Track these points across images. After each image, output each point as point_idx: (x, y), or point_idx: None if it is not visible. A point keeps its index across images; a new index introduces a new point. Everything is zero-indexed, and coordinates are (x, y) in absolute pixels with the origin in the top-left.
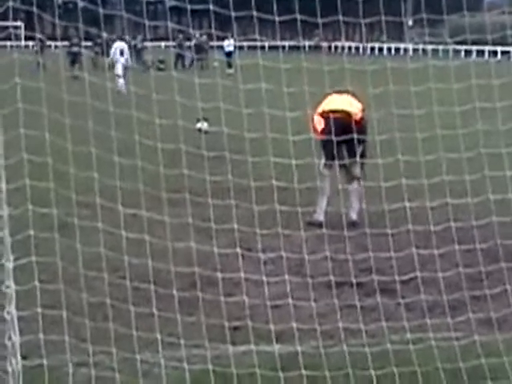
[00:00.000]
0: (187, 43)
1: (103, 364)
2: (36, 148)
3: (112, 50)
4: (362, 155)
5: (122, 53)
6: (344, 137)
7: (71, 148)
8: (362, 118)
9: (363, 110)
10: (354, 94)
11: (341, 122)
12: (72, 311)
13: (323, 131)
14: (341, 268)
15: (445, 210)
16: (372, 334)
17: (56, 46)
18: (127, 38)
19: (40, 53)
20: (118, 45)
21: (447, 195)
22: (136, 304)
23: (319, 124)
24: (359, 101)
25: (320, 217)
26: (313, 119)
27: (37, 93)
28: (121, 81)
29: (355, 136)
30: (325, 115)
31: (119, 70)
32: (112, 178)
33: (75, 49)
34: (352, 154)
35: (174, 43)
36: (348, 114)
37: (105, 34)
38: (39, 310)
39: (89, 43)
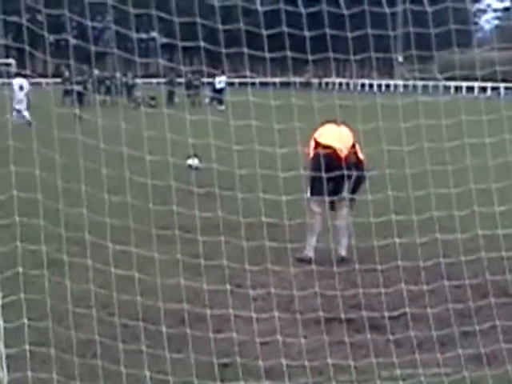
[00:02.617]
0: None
1: None
2: (26, 185)
3: (13, 87)
4: (353, 192)
5: (21, 88)
6: (330, 174)
7: (61, 185)
8: (348, 155)
9: (353, 146)
10: (350, 128)
11: (328, 158)
12: (60, 349)
13: (313, 162)
14: (330, 304)
15: (434, 246)
16: (362, 370)
17: (47, 83)
18: (118, 74)
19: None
20: (18, 81)
21: (437, 231)
22: (125, 341)
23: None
24: (353, 135)
25: (310, 253)
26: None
27: (27, 130)
28: (25, 113)
29: (335, 172)
30: (314, 151)
31: (19, 104)
32: (102, 214)
33: (70, 86)
34: (338, 191)
35: (165, 80)
36: (334, 151)
37: (96, 71)
38: (27, 347)
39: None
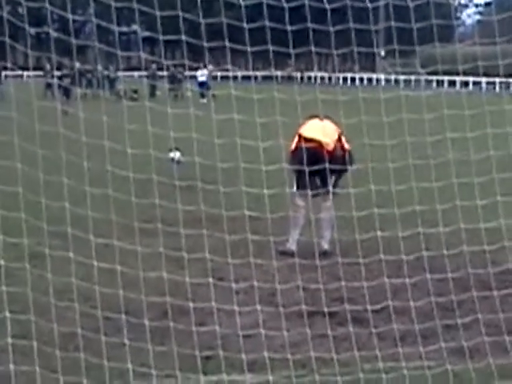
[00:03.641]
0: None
1: None
2: (7, 178)
3: None
4: (334, 185)
5: None
6: (315, 167)
7: (42, 178)
8: (334, 149)
9: (339, 140)
10: (334, 121)
11: (313, 152)
12: (43, 342)
13: (295, 155)
14: (313, 297)
15: (417, 240)
16: (344, 363)
17: (28, 76)
18: (99, 67)
19: None
20: None
21: (419, 225)
22: (107, 334)
23: (294, 143)
24: (338, 128)
25: (292, 246)
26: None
27: (7, 122)
28: None
29: (320, 165)
30: (298, 144)
31: None
32: (84, 207)
33: (51, 79)
34: (324, 184)
35: (146, 73)
36: (320, 144)
37: (78, 64)
38: (10, 340)
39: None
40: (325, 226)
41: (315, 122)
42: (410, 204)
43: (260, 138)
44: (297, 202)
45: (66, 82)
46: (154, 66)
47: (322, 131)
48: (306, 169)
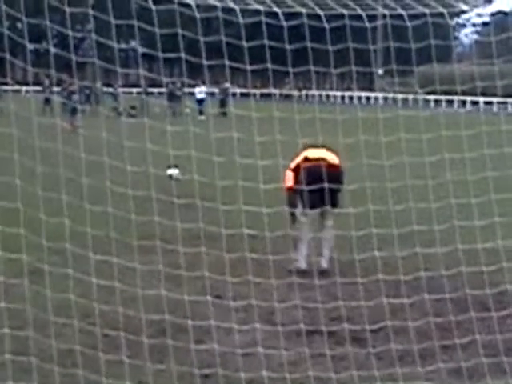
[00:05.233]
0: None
1: None
2: (6, 194)
3: None
4: (336, 204)
5: None
6: (322, 185)
7: (42, 194)
8: (339, 165)
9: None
10: (330, 149)
11: (321, 169)
12: (41, 358)
13: (292, 187)
14: (311, 316)
15: (414, 260)
16: (342, 382)
17: (27, 91)
18: (98, 83)
19: None
20: None
21: (417, 245)
22: (105, 351)
23: (288, 180)
24: (336, 154)
25: (302, 265)
26: (286, 173)
27: (7, 138)
28: None
29: (328, 185)
30: (302, 164)
31: None
32: (83, 224)
33: (49, 95)
34: (328, 202)
35: (144, 90)
36: (325, 160)
37: (76, 80)
38: (8, 356)
39: (58, 89)
40: (326, 245)
41: (313, 150)
42: (408, 224)
43: (259, 156)
44: (302, 219)
45: (75, 98)
46: (172, 84)
47: (325, 153)
48: (311, 187)
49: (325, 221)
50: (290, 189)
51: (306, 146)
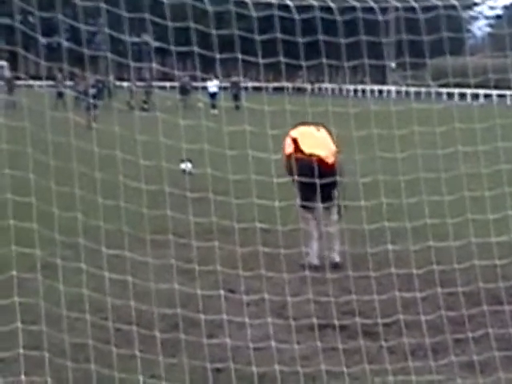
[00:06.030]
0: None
1: None
2: (20, 188)
3: None
4: (331, 199)
5: None
6: (316, 180)
7: (55, 188)
8: (334, 163)
9: (337, 152)
10: (328, 130)
11: (313, 166)
12: (54, 352)
13: (292, 164)
14: (323, 310)
15: (427, 253)
16: (355, 376)
17: (40, 86)
18: (111, 77)
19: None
20: None
21: (430, 238)
22: (118, 345)
23: (288, 147)
24: (331, 137)
25: (314, 260)
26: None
27: (21, 132)
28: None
29: (323, 180)
30: (298, 157)
31: None
32: (96, 218)
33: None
34: (327, 198)
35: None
36: (320, 158)
37: (88, 74)
38: (21, 351)
39: (71, 83)
40: (334, 239)
41: (310, 131)
42: (420, 217)
43: (271, 149)
44: (304, 214)
45: (92, 92)
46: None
47: (321, 143)
48: (304, 180)
49: (329, 217)
50: (288, 156)
51: (297, 124)
